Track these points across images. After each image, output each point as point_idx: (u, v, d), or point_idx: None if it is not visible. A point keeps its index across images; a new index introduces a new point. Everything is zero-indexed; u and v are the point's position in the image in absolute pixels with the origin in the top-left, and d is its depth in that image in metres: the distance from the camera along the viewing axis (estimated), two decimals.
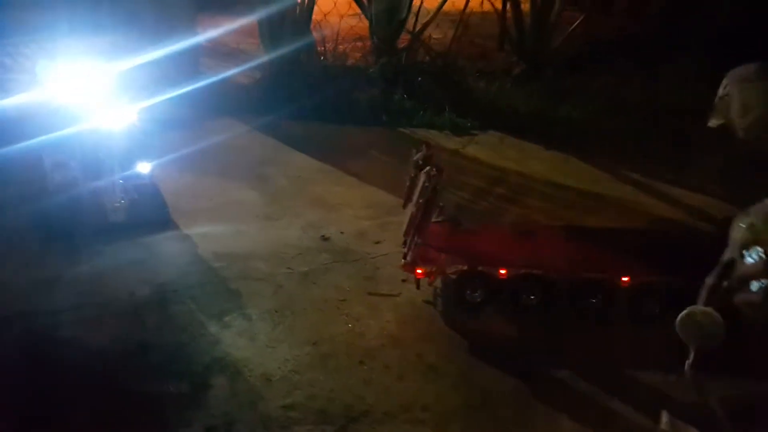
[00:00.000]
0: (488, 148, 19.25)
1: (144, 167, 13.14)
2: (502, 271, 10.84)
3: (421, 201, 10.44)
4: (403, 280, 11.76)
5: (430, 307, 11.19)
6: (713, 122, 19.95)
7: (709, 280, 7.19)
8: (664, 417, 8.28)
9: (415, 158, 11.69)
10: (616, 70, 24.03)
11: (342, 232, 13.74)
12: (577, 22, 25.25)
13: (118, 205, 12.32)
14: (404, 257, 11.25)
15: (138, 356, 9.74)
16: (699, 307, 7.07)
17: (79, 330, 10.25)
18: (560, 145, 19.14)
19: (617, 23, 28.52)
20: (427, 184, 10.35)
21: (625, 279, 10.62)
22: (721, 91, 19.77)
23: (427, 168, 10.59)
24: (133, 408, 8.81)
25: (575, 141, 19.37)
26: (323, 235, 13.58)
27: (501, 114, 21.49)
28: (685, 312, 7.05)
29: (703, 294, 7.18)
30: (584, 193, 16.22)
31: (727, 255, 7.11)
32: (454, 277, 11.07)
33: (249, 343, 10.11)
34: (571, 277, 10.83)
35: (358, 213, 14.64)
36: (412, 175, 11.61)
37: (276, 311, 10.91)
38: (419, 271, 10.97)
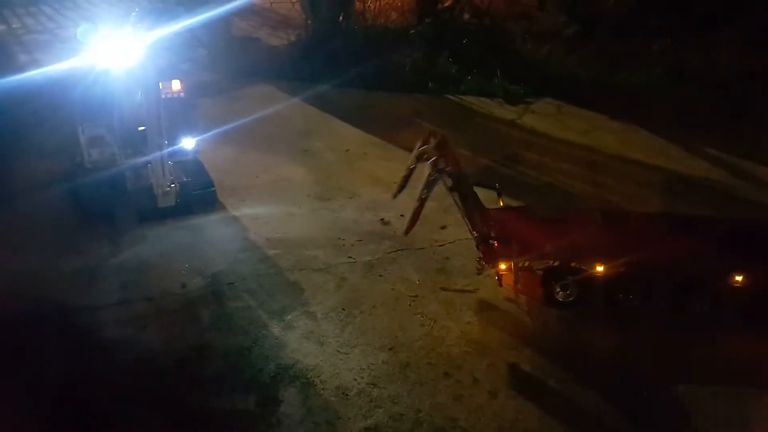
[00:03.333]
0: (547, 118, 17.74)
1: (188, 142, 11.92)
2: (599, 268, 9.62)
3: (423, 196, 9.47)
4: (479, 273, 10.51)
5: (513, 306, 9.97)
6: None
7: None
8: None
9: (420, 148, 10.44)
10: (671, 32, 22.15)
11: (402, 215, 12.34)
12: None
13: (169, 189, 11.07)
14: (478, 249, 10.07)
15: (196, 363, 8.67)
16: None
17: (127, 330, 9.19)
18: (624, 115, 17.54)
19: None
20: (432, 178, 9.31)
21: (738, 278, 9.39)
22: None
23: (434, 158, 9.47)
24: (196, 428, 7.77)
25: (639, 110, 17.75)
26: (382, 219, 12.36)
27: (556, 80, 19.80)
28: None
29: None
30: (659, 170, 14.73)
31: None
32: (541, 273, 9.89)
33: (317, 347, 9.00)
34: (677, 274, 9.59)
35: (417, 193, 13.19)
36: (412, 165, 10.40)
37: (343, 309, 9.78)
38: (503, 266, 9.77)
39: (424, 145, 10.27)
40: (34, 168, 12.90)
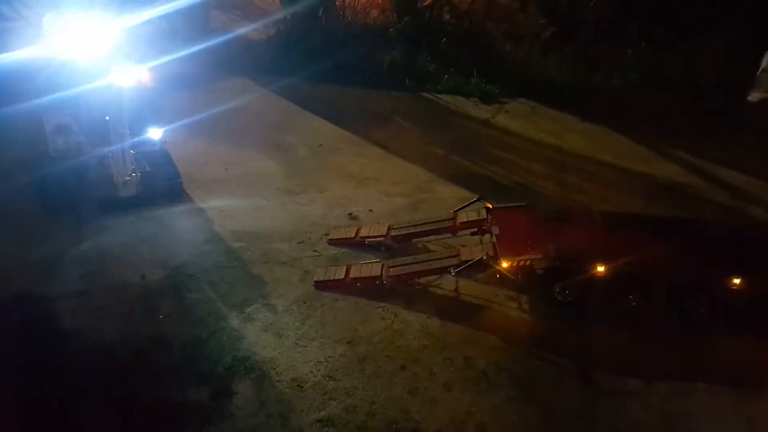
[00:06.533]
0: (520, 118, 17.84)
1: (155, 132, 11.82)
2: (600, 269, 9.59)
3: None
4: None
5: (474, 302, 10.03)
6: (754, 96, 18.71)
7: None
8: None
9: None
10: (651, 37, 22.33)
11: (371, 211, 12.52)
12: None
13: (129, 178, 10.98)
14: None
15: (152, 354, 8.62)
16: None
17: (85, 320, 9.11)
18: (597, 117, 17.69)
19: None
20: None
21: (737, 282, 9.46)
22: (764, 64, 18.38)
23: None
24: (147, 419, 7.73)
25: (613, 113, 17.92)
26: (350, 213, 12.38)
27: (532, 81, 19.92)
28: None
29: None
30: (630, 172, 14.91)
31: None
32: (541, 272, 9.92)
33: (276, 340, 8.99)
34: (675, 277, 9.65)
35: (387, 189, 13.39)
36: None
37: (304, 302, 9.77)
38: (505, 264, 9.75)
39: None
40: None
